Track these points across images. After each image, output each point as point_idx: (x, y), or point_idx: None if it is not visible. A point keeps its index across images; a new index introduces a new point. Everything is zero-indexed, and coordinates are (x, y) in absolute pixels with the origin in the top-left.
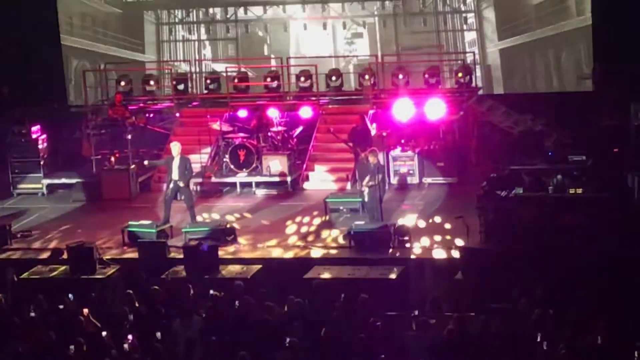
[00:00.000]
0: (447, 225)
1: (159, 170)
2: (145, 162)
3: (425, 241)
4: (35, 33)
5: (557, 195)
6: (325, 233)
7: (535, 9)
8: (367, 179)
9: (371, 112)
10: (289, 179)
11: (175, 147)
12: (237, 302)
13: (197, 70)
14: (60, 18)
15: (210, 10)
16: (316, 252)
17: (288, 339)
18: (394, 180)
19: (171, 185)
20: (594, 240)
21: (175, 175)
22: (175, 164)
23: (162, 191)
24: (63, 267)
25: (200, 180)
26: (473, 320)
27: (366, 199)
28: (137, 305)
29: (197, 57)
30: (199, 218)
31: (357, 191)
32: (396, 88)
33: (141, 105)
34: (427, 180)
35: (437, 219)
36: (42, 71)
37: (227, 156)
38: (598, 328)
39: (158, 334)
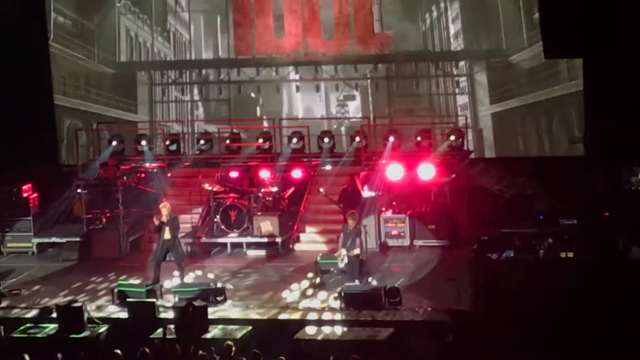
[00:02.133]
0: (438, 288)
1: (149, 230)
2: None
3: (416, 303)
4: (29, 92)
5: (548, 259)
6: (316, 294)
7: (527, 74)
8: (346, 247)
9: (362, 173)
10: (279, 239)
11: (164, 209)
12: None
13: (190, 130)
14: (53, 77)
15: (203, 71)
16: (307, 313)
17: None
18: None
19: (163, 244)
20: (585, 303)
21: (167, 235)
22: (166, 224)
23: (152, 251)
24: (52, 326)
25: (190, 240)
26: None
27: (342, 266)
28: None
29: (189, 118)
30: (189, 278)
31: (337, 256)
32: (388, 150)
33: (133, 165)
34: (418, 242)
35: (428, 282)
36: (35, 130)
37: (218, 216)
38: None
39: None
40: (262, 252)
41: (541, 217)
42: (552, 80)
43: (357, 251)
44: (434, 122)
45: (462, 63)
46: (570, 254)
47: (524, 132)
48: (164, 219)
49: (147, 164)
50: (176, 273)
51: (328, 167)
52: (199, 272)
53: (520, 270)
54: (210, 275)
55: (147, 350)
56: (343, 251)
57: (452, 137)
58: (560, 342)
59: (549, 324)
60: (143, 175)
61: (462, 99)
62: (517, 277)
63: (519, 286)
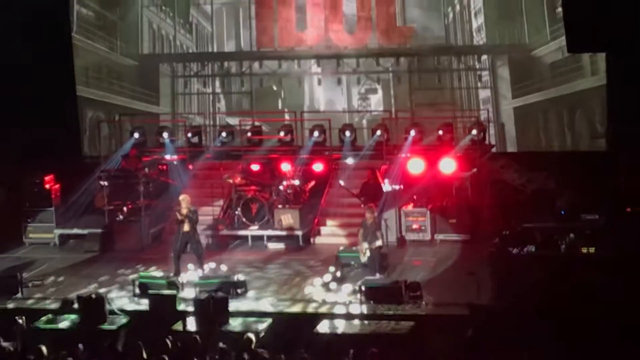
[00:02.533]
0: (459, 282)
1: (171, 222)
2: (178, 216)
3: (436, 297)
4: (51, 83)
5: (569, 254)
6: (336, 287)
7: (550, 68)
8: (367, 241)
9: (383, 167)
10: (300, 232)
11: (184, 202)
12: (246, 356)
13: (211, 123)
14: (76, 69)
15: (226, 63)
16: (327, 307)
17: None
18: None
19: (182, 237)
20: (606, 299)
21: (185, 227)
22: (186, 217)
23: (172, 243)
24: (73, 317)
25: (211, 232)
26: None
27: (364, 260)
28: (145, 357)
29: (211, 110)
30: (209, 271)
31: (359, 251)
32: (408, 144)
33: (154, 157)
34: (439, 236)
35: (449, 276)
36: (57, 121)
37: (239, 209)
38: None
39: None
40: (282, 245)
41: (563, 212)
42: (574, 75)
43: (378, 243)
44: (455, 116)
45: (484, 57)
46: (592, 250)
47: (546, 126)
48: (184, 211)
49: (169, 156)
50: (191, 266)
51: (349, 161)
52: (214, 265)
53: (541, 265)
54: (225, 268)
55: (167, 342)
56: (365, 245)
57: (474, 131)
58: (581, 338)
59: (569, 320)
60: (164, 167)
61: (484, 93)
62: (538, 272)
63: (540, 281)
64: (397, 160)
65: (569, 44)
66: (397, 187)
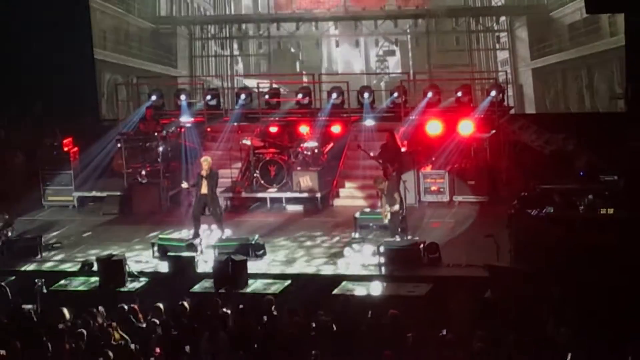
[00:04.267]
0: (477, 244)
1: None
2: (184, 185)
3: (454, 259)
4: (69, 46)
5: (588, 215)
6: (354, 249)
7: (569, 29)
8: (388, 203)
9: (402, 129)
10: (318, 195)
11: (205, 162)
12: (265, 317)
13: (229, 85)
14: (93, 32)
15: (243, 26)
16: (345, 269)
17: (314, 352)
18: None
19: (200, 199)
20: (625, 260)
21: (204, 189)
22: (205, 178)
23: (191, 205)
24: (93, 279)
25: (230, 195)
26: (502, 339)
27: (386, 222)
28: (165, 318)
29: (229, 73)
30: (228, 232)
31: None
32: (427, 106)
33: (172, 119)
34: (458, 198)
35: (467, 237)
36: (75, 84)
37: (257, 171)
38: (628, 350)
39: (187, 348)
40: (301, 208)
41: (581, 173)
42: (593, 36)
43: (396, 207)
44: (473, 78)
45: (502, 18)
46: (611, 211)
47: (564, 88)
48: (204, 172)
49: (186, 119)
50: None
51: (369, 122)
52: (238, 227)
53: (559, 226)
54: (249, 230)
55: (185, 304)
56: (387, 207)
57: (493, 93)
58: (598, 300)
59: (587, 281)
60: (182, 129)
61: (503, 55)
62: (556, 233)
63: (558, 242)
64: (416, 122)
65: (587, 5)
66: (413, 149)
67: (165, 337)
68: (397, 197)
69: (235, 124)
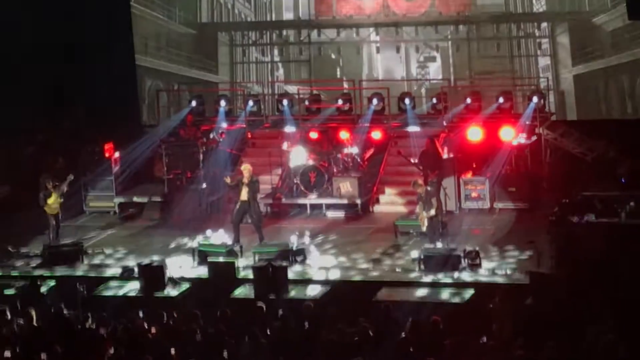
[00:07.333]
0: (518, 251)
1: (229, 190)
2: (227, 180)
3: (495, 266)
4: (111, 53)
5: (629, 223)
6: (394, 256)
7: (611, 35)
8: (425, 210)
9: (442, 135)
10: (359, 201)
11: (246, 170)
12: (306, 323)
13: (270, 91)
14: (135, 38)
15: (284, 32)
16: (385, 275)
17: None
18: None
19: (240, 206)
20: None
21: (244, 196)
22: (246, 185)
23: (231, 211)
24: (134, 285)
25: (270, 201)
26: (542, 347)
27: (424, 229)
28: (204, 323)
29: (269, 79)
30: (268, 239)
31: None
32: (468, 112)
33: (213, 125)
34: (499, 205)
35: (508, 244)
36: (117, 90)
37: (297, 178)
38: None
39: (225, 354)
40: (341, 214)
41: (623, 180)
42: (635, 43)
43: (432, 212)
44: (515, 84)
45: (544, 24)
46: None
47: (606, 94)
48: (245, 180)
49: (227, 125)
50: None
51: (410, 129)
52: (279, 234)
53: (601, 233)
54: (289, 236)
55: (227, 310)
56: (424, 214)
57: (534, 99)
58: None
59: (629, 289)
60: (223, 135)
61: (544, 61)
62: (597, 240)
63: (600, 249)
64: (457, 129)
65: (629, 11)
66: (453, 155)
67: (205, 342)
68: (435, 202)
69: (276, 129)
